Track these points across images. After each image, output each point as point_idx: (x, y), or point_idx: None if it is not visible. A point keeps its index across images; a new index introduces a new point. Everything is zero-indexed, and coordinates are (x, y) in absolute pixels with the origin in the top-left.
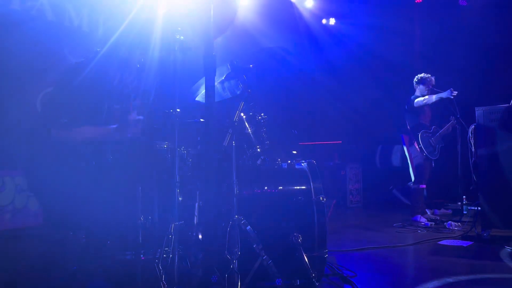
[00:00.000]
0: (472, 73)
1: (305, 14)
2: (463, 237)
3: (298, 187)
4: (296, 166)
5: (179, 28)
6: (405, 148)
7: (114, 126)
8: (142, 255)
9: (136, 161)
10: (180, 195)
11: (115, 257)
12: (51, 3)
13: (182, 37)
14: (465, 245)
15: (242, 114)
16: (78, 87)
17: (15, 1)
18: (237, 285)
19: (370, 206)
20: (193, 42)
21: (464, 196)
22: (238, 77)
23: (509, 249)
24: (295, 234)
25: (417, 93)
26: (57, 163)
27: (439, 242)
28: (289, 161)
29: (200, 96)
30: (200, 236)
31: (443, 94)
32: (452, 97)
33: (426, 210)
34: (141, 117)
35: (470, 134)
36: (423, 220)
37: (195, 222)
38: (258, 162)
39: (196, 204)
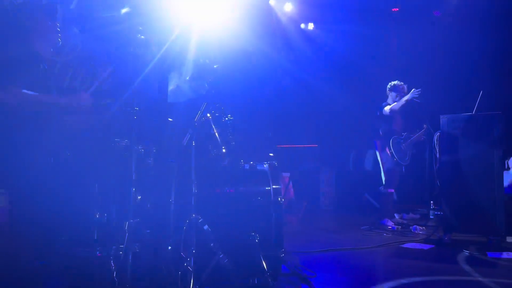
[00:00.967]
0: (445, 81)
1: (284, 19)
2: (426, 241)
3: (258, 188)
4: (258, 167)
5: (140, 28)
6: (377, 153)
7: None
8: (98, 252)
9: (94, 158)
10: (138, 194)
11: (71, 253)
12: None
13: (142, 37)
14: (426, 248)
15: (208, 115)
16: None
17: None
18: (190, 283)
19: (342, 209)
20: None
21: (431, 202)
22: (204, 77)
23: (466, 253)
24: (252, 233)
25: (389, 100)
26: (15, 159)
27: (402, 245)
28: (251, 162)
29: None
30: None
31: (407, 96)
32: (416, 96)
33: (395, 214)
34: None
35: (435, 141)
36: (390, 223)
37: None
38: (225, 163)
39: (152, 203)
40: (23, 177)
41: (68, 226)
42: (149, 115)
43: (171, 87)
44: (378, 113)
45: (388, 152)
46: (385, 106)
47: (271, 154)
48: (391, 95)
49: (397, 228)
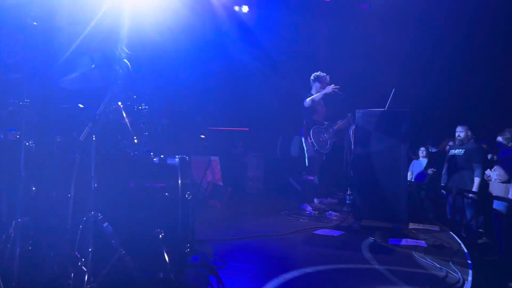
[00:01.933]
0: (364, 76)
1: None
2: (337, 227)
3: (165, 183)
4: (168, 161)
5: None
6: (303, 140)
7: None
8: None
9: None
10: (29, 190)
11: None
12: None
13: (35, 23)
14: (336, 235)
15: (119, 104)
16: None
17: None
18: (84, 283)
19: (268, 193)
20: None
21: (348, 188)
22: (111, 65)
23: (371, 240)
24: (157, 230)
25: (313, 91)
26: None
27: (315, 232)
28: (162, 156)
29: (70, 81)
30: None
31: (326, 90)
32: (333, 92)
33: (315, 199)
34: None
35: (350, 133)
36: (308, 209)
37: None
38: (136, 152)
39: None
40: None
41: None
42: (41, 106)
43: (75, 74)
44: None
45: (310, 141)
46: (308, 97)
47: (203, 136)
48: (315, 86)
49: (314, 213)
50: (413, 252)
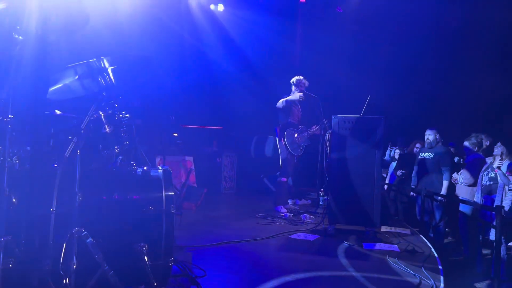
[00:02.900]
0: (342, 82)
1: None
2: (312, 231)
3: (149, 196)
4: (151, 173)
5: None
6: (277, 140)
7: None
8: None
9: None
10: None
11: None
12: None
13: (20, 37)
14: (311, 239)
15: (100, 113)
16: None
17: None
18: None
19: (242, 193)
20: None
21: (321, 189)
22: (99, 75)
23: (346, 244)
24: (140, 244)
25: (292, 93)
26: None
27: (291, 236)
28: (145, 168)
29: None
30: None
31: (293, 97)
32: (300, 98)
33: (289, 200)
34: None
35: (326, 138)
36: (283, 211)
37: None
38: (118, 162)
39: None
40: None
41: None
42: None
43: (58, 85)
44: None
45: (283, 142)
46: (281, 100)
47: (175, 134)
48: (294, 89)
49: (289, 216)
50: (387, 258)
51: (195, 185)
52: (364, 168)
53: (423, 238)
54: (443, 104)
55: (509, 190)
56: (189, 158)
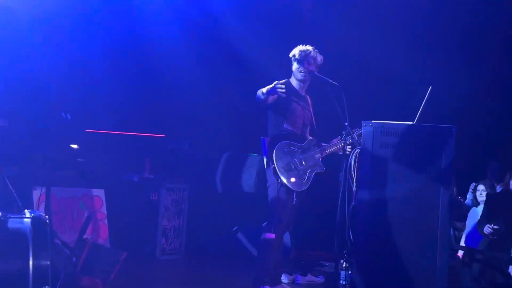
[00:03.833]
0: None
1: None
2: None
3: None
4: (10, 225)
5: None
6: (264, 161)
7: None
8: None
9: None
10: None
11: None
12: None
13: None
14: None
15: None
16: None
17: None
18: None
19: (195, 261)
20: None
21: (343, 256)
22: None
23: None
24: None
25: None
26: None
27: None
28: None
29: None
30: None
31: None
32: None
33: (284, 275)
34: None
35: (352, 161)
36: None
37: None
38: None
39: None
40: None
41: None
42: None
43: None
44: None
45: (272, 167)
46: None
47: (74, 146)
48: (296, 69)
49: None
50: None
51: (107, 244)
52: (419, 220)
53: None
54: None
55: None
56: (98, 193)
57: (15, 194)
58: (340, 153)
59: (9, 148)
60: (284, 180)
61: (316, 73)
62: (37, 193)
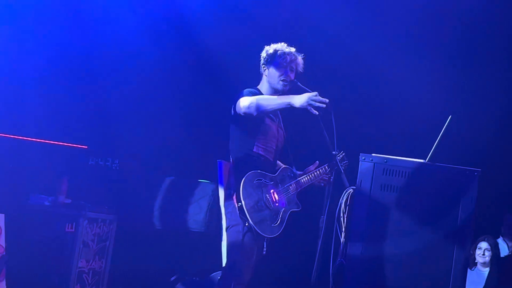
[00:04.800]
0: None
1: None
2: None
3: None
4: None
5: None
6: (221, 195)
7: None
8: None
9: None
10: None
11: None
12: None
13: None
14: None
15: None
16: None
17: None
18: None
19: None
20: None
21: None
22: None
23: None
24: None
25: (263, 84)
26: None
27: None
28: None
29: None
30: None
31: (293, 100)
32: (310, 106)
33: None
34: None
35: (342, 205)
36: None
37: None
38: None
39: None
40: None
41: None
42: None
43: None
44: (232, 112)
45: (236, 204)
46: (247, 95)
47: None
48: (269, 73)
49: None
50: None
51: None
52: (426, 286)
53: None
54: None
55: None
56: None
57: None
58: (322, 184)
59: None
60: (251, 222)
61: (299, 83)
62: None
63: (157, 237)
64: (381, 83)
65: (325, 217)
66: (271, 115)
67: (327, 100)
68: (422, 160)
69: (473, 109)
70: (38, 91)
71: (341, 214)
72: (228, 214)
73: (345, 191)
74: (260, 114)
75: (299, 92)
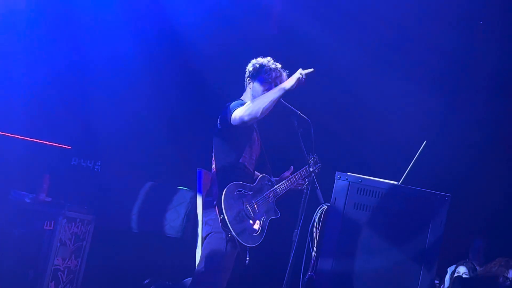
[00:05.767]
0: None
1: None
2: None
3: None
4: None
5: None
6: (199, 203)
7: None
8: None
9: None
10: None
11: None
12: None
13: None
14: None
15: None
16: None
17: None
18: None
19: None
20: None
21: None
22: None
23: None
24: None
25: (246, 95)
26: None
27: None
28: None
29: None
30: None
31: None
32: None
33: None
34: None
35: (316, 220)
36: None
37: None
38: None
39: None
40: None
41: None
42: None
43: None
44: (219, 126)
45: (217, 213)
46: (239, 106)
47: None
48: (253, 87)
49: None
50: None
51: None
52: None
53: None
54: None
55: None
56: None
57: None
58: (300, 188)
59: None
60: (235, 234)
61: (282, 100)
62: None
63: (134, 240)
64: (362, 107)
65: (298, 231)
66: (256, 127)
67: (312, 69)
68: (395, 182)
69: (448, 137)
70: (27, 91)
71: (314, 229)
72: (210, 221)
73: (319, 207)
74: (263, 115)
75: (281, 107)
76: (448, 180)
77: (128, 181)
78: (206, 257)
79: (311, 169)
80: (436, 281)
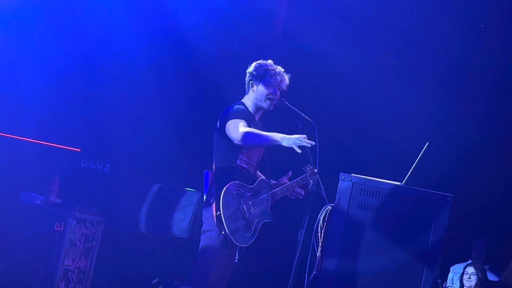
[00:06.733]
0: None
1: None
2: None
3: None
4: None
5: None
6: (204, 200)
7: None
8: None
9: None
10: None
11: None
12: None
13: None
14: None
15: None
16: None
17: None
18: None
19: None
20: None
21: None
22: None
23: None
24: None
25: (247, 98)
26: None
27: None
28: None
29: None
30: None
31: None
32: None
33: None
34: None
35: (320, 221)
36: None
37: None
38: None
39: None
40: None
41: None
42: None
43: None
44: (219, 126)
45: (214, 212)
46: (238, 115)
47: None
48: (257, 90)
49: None
50: None
51: None
52: None
53: None
54: None
55: None
56: None
57: None
58: (294, 197)
59: None
60: (227, 230)
61: (287, 102)
62: None
63: (142, 240)
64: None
65: (303, 231)
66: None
67: (313, 143)
68: (398, 183)
69: (450, 138)
70: (37, 95)
71: (319, 230)
72: (205, 219)
73: (323, 208)
74: (247, 146)
75: (286, 110)
76: (450, 181)
77: (136, 183)
78: (199, 254)
79: (309, 179)
80: (439, 280)
